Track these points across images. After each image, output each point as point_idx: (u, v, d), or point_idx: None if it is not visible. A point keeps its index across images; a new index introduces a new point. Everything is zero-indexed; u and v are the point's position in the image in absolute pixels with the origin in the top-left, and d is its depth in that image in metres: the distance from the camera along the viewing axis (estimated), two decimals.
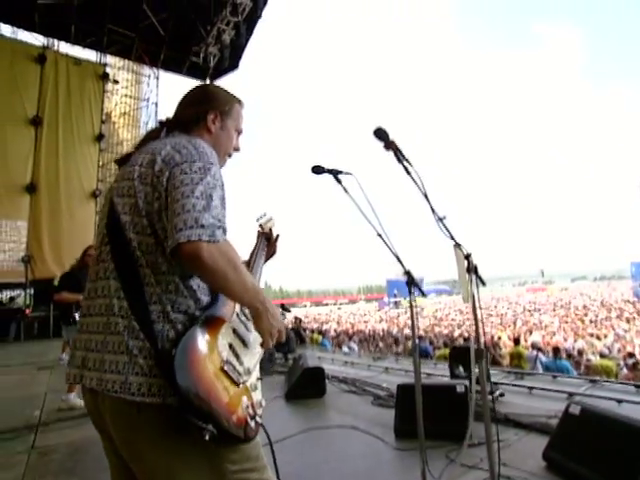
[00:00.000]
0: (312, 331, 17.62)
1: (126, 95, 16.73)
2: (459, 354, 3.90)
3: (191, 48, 14.78)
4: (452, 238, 1.68)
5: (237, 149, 1.28)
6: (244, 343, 1.05)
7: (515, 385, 4.14)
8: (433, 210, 1.58)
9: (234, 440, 0.91)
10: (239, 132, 1.26)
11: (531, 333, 14.62)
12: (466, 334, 15.24)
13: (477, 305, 1.73)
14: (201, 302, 0.99)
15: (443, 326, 19.09)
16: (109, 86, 15.83)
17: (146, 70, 16.62)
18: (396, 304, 41.14)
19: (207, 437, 0.83)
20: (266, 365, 5.84)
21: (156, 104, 16.80)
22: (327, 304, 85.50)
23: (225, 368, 0.93)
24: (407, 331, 17.14)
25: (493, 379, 4.33)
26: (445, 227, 1.64)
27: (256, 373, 1.08)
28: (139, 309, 0.92)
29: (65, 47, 14.27)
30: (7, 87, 12.53)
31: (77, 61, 14.17)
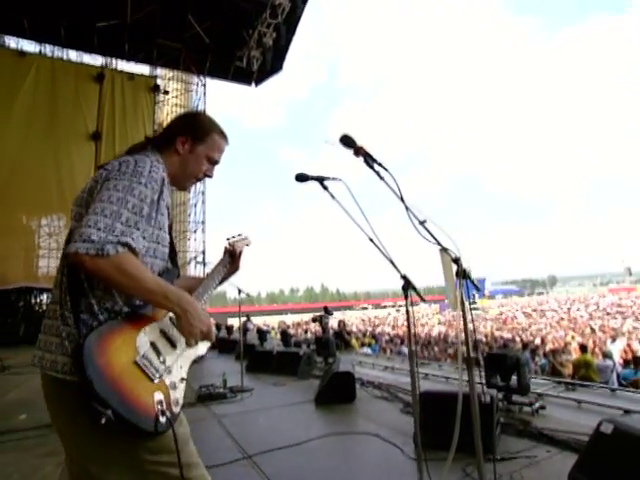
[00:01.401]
0: (364, 334, 17.60)
1: (176, 104, 17.83)
2: (495, 362, 3.74)
3: (235, 53, 15.42)
4: (437, 242, 1.67)
5: (208, 175, 1.41)
6: (172, 344, 1.16)
7: (562, 397, 3.90)
8: (411, 214, 1.58)
9: (137, 430, 0.98)
10: (212, 161, 1.39)
11: (614, 340, 13.40)
12: (531, 338, 14.38)
13: (467, 311, 1.69)
14: (132, 301, 1.12)
15: (506, 330, 18.12)
16: (160, 97, 17.03)
17: (194, 79, 17.65)
18: None
19: (103, 421, 0.91)
20: (304, 368, 5.98)
21: (204, 111, 17.81)
22: (385, 306, 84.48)
23: (138, 361, 1.03)
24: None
25: (539, 389, 4.10)
26: (428, 231, 1.63)
27: (180, 373, 1.16)
28: (73, 301, 1.07)
29: (120, 64, 15.63)
30: (72, 106, 13.97)
31: (131, 76, 15.45)
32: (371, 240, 1.90)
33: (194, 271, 17.06)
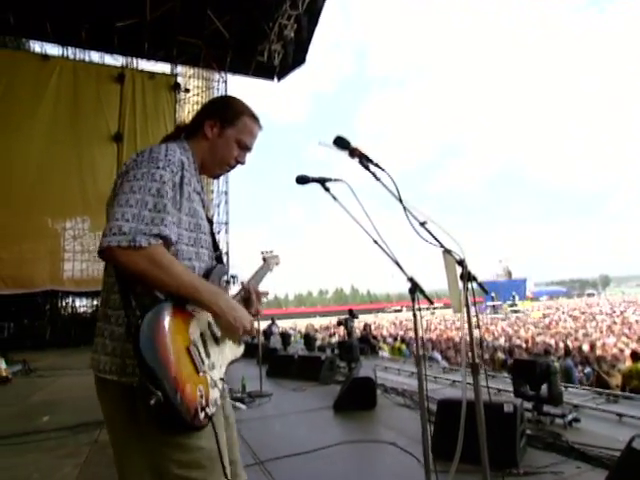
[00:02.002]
0: (395, 338, 17.45)
1: (197, 103, 18.19)
2: (522, 369, 3.67)
3: (256, 48, 15.67)
4: (440, 244, 1.68)
5: (240, 162, 1.38)
6: (215, 339, 1.17)
7: (601, 410, 3.77)
8: (409, 216, 1.60)
9: (178, 420, 0.96)
10: (243, 146, 1.35)
11: None
12: (577, 344, 13.86)
13: (471, 317, 1.70)
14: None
15: (549, 334, 17.53)
16: (181, 95, 17.50)
17: (215, 75, 18.04)
18: (494, 308, 38.55)
19: (152, 402, 0.90)
20: (325, 373, 6.04)
21: None
22: (420, 309, 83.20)
23: (190, 349, 1.04)
24: (502, 341, 16.10)
25: (575, 400, 3.99)
26: (430, 232, 1.64)
27: (219, 373, 1.16)
28: (110, 299, 1.12)
29: (141, 64, 16.20)
30: (93, 108, 14.61)
31: (151, 75, 15.99)
32: (375, 242, 1.93)
33: None
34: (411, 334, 21.61)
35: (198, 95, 18.27)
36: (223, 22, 14.56)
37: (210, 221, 1.36)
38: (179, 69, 17.12)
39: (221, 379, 1.16)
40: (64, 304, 15.07)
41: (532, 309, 35.98)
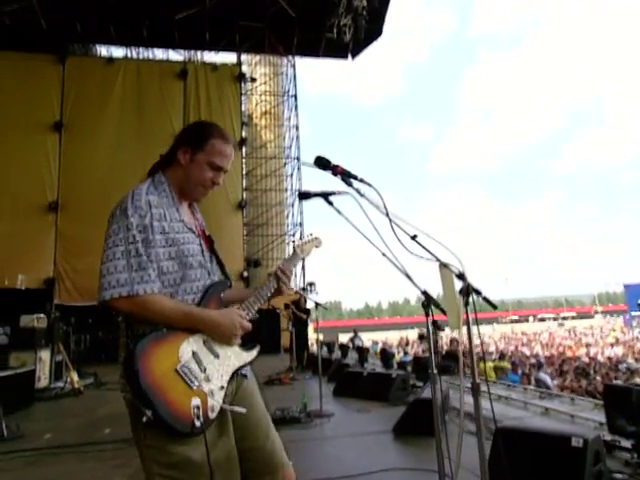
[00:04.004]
0: (501, 356, 16.77)
1: (265, 92, 19.27)
2: (616, 397, 3.54)
3: (324, 24, 16.12)
4: (436, 258, 1.85)
5: (216, 183, 1.68)
6: (214, 354, 1.51)
7: None
8: (397, 230, 1.80)
9: (172, 431, 1.32)
10: (215, 167, 1.65)
11: None
12: None
13: (471, 334, 1.84)
14: None
15: None
16: (248, 86, 18.59)
17: (282, 60, 18.90)
18: None
19: (144, 419, 1.28)
20: (396, 394, 6.19)
21: (295, 96, 18.92)
22: (544, 319, 78.38)
23: (179, 369, 1.38)
24: None
25: None
26: (422, 246, 1.83)
27: (220, 382, 1.49)
28: (121, 327, 1.52)
29: (205, 57, 17.57)
30: (157, 107, 16.21)
31: (214, 67, 17.28)
32: (384, 255, 2.14)
33: (293, 276, 18.37)
34: (523, 349, 20.54)
35: (265, 84, 19.24)
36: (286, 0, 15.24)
37: (212, 243, 1.75)
38: (244, 58, 18.22)
39: (222, 387, 1.49)
40: None
41: None
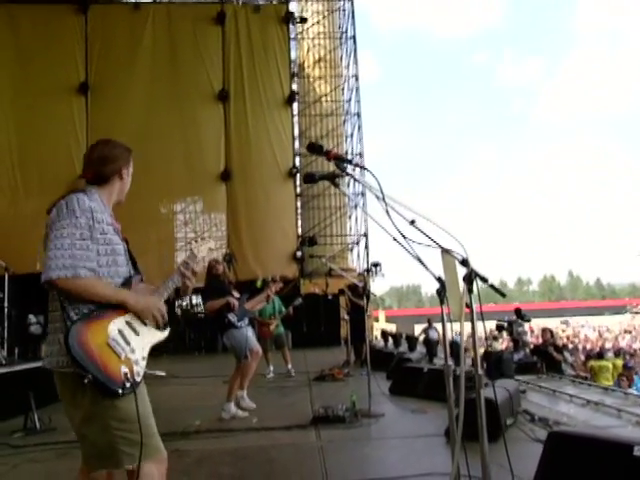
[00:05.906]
0: (617, 353, 16.21)
1: (319, 34, 19.19)
2: None
3: None
4: (437, 244, 2.08)
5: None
6: (135, 332, 2.19)
7: None
8: (394, 215, 2.04)
9: (108, 390, 1.97)
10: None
11: None
12: None
13: (474, 324, 2.06)
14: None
15: None
16: (297, 28, 18.70)
17: None
18: None
19: (86, 381, 1.91)
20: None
21: (354, 38, 18.75)
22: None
23: (109, 342, 2.04)
24: None
25: None
26: (422, 232, 2.06)
27: (142, 353, 2.19)
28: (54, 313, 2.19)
29: None
30: (192, 59, 16.69)
31: (256, 7, 17.48)
32: (395, 239, 2.40)
33: (355, 257, 18.74)
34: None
35: (319, 23, 19.13)
36: None
37: (126, 240, 2.46)
38: None
39: (143, 357, 2.20)
40: (194, 302, 16.71)
41: None
